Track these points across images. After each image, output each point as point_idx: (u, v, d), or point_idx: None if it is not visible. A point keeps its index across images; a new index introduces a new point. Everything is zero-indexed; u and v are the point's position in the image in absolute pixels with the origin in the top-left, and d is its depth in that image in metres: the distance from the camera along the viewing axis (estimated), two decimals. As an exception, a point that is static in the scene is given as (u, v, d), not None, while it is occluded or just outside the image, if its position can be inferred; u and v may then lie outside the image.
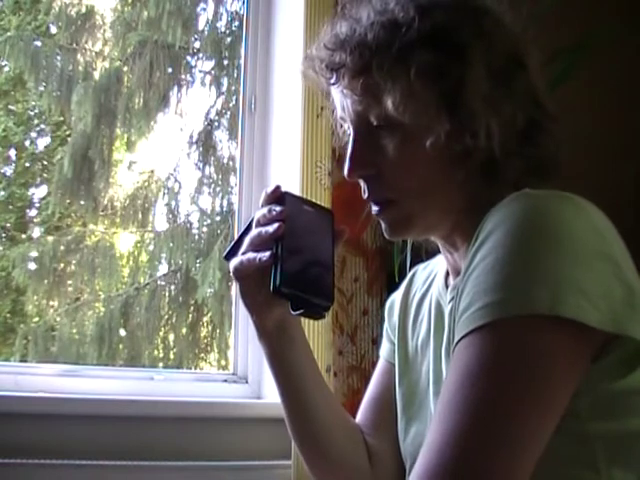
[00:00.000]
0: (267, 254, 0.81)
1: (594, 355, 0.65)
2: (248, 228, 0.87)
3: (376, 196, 0.84)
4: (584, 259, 0.64)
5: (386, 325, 1.05)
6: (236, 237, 0.90)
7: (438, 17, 0.78)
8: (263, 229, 0.83)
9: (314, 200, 1.48)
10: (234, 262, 0.85)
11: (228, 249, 0.89)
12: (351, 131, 0.84)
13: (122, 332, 3.34)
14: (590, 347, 0.65)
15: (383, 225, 0.85)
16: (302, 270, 0.81)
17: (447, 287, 0.89)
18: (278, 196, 0.87)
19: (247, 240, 0.85)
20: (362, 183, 0.85)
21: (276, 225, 0.82)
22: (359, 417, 1.02)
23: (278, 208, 0.84)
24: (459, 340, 0.65)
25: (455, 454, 0.59)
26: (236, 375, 1.67)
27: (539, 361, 0.62)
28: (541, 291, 0.62)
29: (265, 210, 0.85)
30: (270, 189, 0.87)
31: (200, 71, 3.73)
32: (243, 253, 0.85)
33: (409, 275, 1.04)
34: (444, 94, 0.76)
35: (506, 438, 0.59)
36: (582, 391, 0.65)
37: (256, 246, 0.83)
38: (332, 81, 0.83)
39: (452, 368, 0.64)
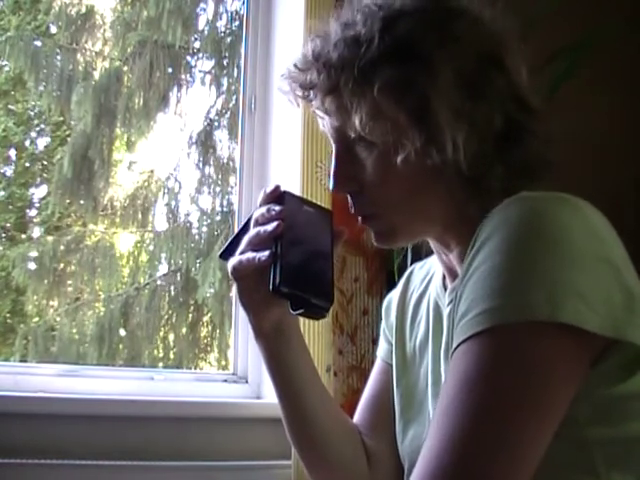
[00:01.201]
0: (266, 253, 0.81)
1: (593, 360, 0.65)
2: (245, 227, 0.87)
3: (360, 211, 0.84)
4: (583, 263, 0.64)
5: (383, 325, 1.04)
6: (232, 236, 0.89)
7: (402, 28, 0.77)
8: (262, 228, 0.83)
9: (314, 199, 1.49)
10: (232, 262, 0.85)
11: (224, 248, 0.89)
12: (333, 146, 0.85)
13: (122, 332, 3.34)
14: (589, 352, 0.64)
15: (371, 233, 0.86)
16: (302, 269, 0.81)
17: (445, 288, 0.88)
18: (277, 196, 0.86)
19: (245, 239, 0.84)
20: (349, 198, 0.85)
21: (275, 224, 0.81)
22: (357, 418, 1.01)
23: (277, 207, 0.84)
24: (457, 346, 0.65)
25: (453, 460, 0.59)
26: (236, 375, 1.67)
27: (537, 367, 0.61)
28: (539, 297, 0.62)
29: (264, 209, 0.84)
30: (269, 189, 0.87)
31: (200, 71, 3.73)
32: (242, 253, 0.84)
33: (406, 274, 1.03)
34: (411, 109, 0.76)
35: (504, 443, 0.59)
36: (581, 396, 0.64)
37: (255, 245, 0.83)
38: (308, 99, 0.83)
39: (450, 374, 0.64)
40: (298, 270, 0.80)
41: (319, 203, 0.96)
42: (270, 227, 0.82)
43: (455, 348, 0.65)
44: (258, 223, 0.84)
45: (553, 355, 0.62)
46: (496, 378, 0.61)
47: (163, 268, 3.58)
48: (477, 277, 0.66)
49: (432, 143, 0.75)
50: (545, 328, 0.61)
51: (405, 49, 0.76)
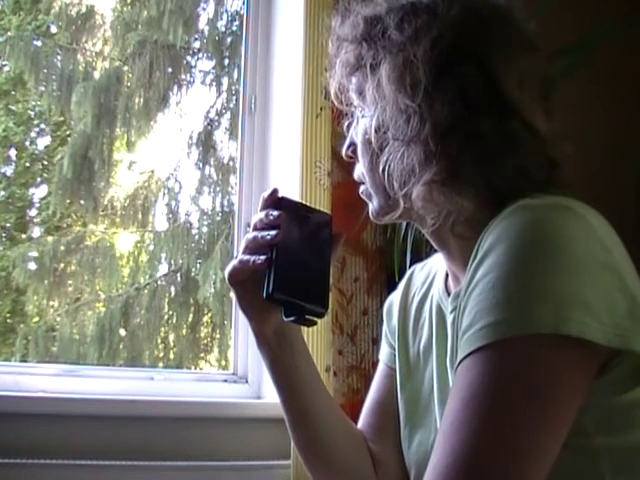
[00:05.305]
0: (262, 258, 0.81)
1: (599, 369, 0.65)
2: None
3: None
4: (587, 273, 0.63)
5: (385, 328, 1.03)
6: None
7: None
8: (259, 234, 0.83)
9: (314, 199, 1.49)
10: (228, 267, 0.85)
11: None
12: None
13: (122, 332, 3.34)
14: (595, 363, 0.64)
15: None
16: (296, 276, 0.81)
17: (447, 290, 0.88)
18: (275, 200, 0.86)
19: (243, 244, 0.85)
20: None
21: (273, 232, 0.81)
22: (361, 423, 1.00)
23: (275, 213, 0.83)
24: (462, 360, 0.64)
25: (460, 474, 0.59)
26: (236, 375, 1.67)
27: (543, 379, 0.61)
28: (544, 309, 0.61)
29: (262, 214, 0.84)
30: (267, 193, 0.87)
31: (200, 71, 3.73)
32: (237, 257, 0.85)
33: (406, 276, 1.02)
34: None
35: (512, 457, 0.59)
36: (588, 406, 0.64)
37: (251, 250, 0.83)
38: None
39: (455, 388, 0.64)
40: (292, 276, 0.80)
41: (318, 207, 0.96)
42: (267, 234, 0.82)
43: (460, 361, 0.65)
44: (256, 228, 0.84)
45: (559, 367, 0.62)
46: (502, 392, 0.61)
47: (163, 268, 3.58)
48: (481, 289, 0.65)
49: (432, 156, 0.74)
50: (550, 340, 0.61)
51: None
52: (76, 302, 3.36)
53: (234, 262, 0.84)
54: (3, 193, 3.27)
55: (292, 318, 0.80)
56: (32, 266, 3.23)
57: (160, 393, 1.56)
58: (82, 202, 3.45)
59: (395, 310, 1.00)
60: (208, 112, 3.65)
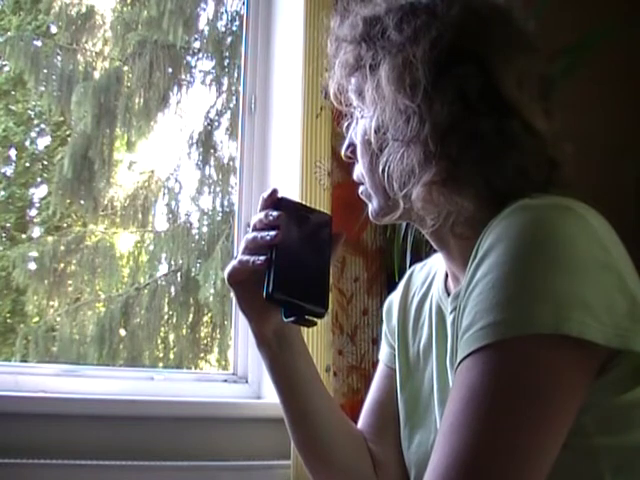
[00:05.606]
0: (262, 258, 0.81)
1: (599, 369, 0.65)
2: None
3: None
4: (586, 273, 0.63)
5: (385, 328, 1.03)
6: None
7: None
8: (259, 234, 0.83)
9: (314, 199, 1.49)
10: (228, 268, 0.85)
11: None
12: None
13: (122, 332, 3.35)
14: (595, 363, 0.64)
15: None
16: (296, 276, 0.81)
17: (447, 290, 0.88)
18: (275, 200, 0.86)
19: (242, 244, 0.85)
20: None
21: (273, 233, 0.82)
22: (361, 423, 1.00)
23: (275, 213, 0.84)
24: (462, 360, 0.64)
25: (460, 474, 0.59)
26: (236, 375, 1.67)
27: (543, 379, 0.61)
28: (544, 310, 0.61)
29: (262, 215, 0.84)
30: (266, 193, 0.87)
31: (200, 71, 3.73)
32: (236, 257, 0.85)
33: (406, 276, 1.02)
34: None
35: (512, 457, 0.59)
36: (587, 406, 0.64)
37: (251, 250, 0.83)
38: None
39: (455, 389, 0.64)
40: (292, 276, 0.80)
41: (318, 207, 0.96)
42: (267, 235, 0.82)
43: (460, 361, 0.65)
44: (255, 229, 0.84)
45: (559, 367, 0.62)
46: (502, 392, 0.61)
47: (163, 268, 3.59)
48: (481, 289, 0.65)
49: (433, 156, 0.74)
50: (550, 340, 0.61)
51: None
52: (76, 302, 3.36)
53: (234, 262, 0.85)
54: (3, 193, 3.27)
55: (292, 318, 0.81)
56: (32, 266, 3.23)
57: (160, 393, 1.56)
58: (82, 202, 3.45)
59: (395, 310, 1.00)
60: (208, 112, 3.65)
